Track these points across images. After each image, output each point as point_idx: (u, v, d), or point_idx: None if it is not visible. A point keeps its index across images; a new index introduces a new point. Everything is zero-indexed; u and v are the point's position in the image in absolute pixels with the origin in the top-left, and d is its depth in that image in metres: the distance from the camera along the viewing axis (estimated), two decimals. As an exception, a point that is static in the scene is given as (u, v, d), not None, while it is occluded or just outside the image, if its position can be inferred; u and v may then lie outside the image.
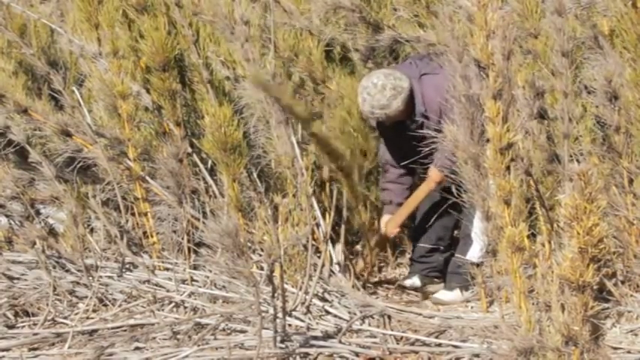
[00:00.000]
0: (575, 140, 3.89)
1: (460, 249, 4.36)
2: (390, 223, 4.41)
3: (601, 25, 4.12)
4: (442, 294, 4.41)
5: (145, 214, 4.43)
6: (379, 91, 4.18)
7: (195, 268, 4.32)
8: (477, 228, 4.24)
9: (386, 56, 4.76)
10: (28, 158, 4.55)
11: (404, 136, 4.28)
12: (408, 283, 4.50)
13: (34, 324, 4.02)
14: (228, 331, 3.81)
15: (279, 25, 4.60)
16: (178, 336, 3.75)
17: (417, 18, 4.81)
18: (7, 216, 4.68)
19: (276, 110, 4.17)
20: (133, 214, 4.48)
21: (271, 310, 3.56)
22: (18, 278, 4.32)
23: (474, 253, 4.27)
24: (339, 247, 4.36)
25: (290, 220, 4.22)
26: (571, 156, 3.83)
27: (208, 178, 4.44)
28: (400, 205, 4.42)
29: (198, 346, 3.64)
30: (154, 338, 3.77)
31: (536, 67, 4.01)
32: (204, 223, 4.22)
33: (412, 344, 3.73)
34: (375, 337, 3.77)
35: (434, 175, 4.30)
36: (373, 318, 3.96)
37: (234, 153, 4.21)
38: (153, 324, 3.89)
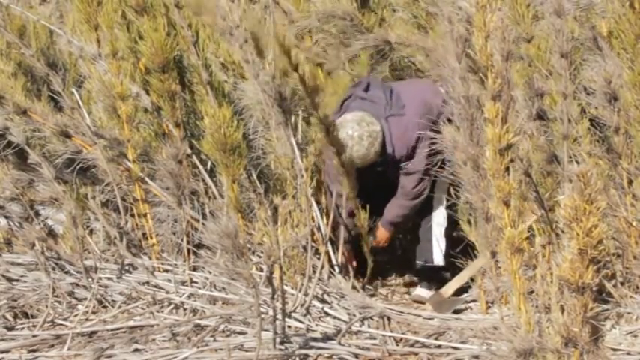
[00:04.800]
0: (574, 141, 3.89)
1: (422, 254, 4.46)
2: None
3: (599, 26, 4.12)
4: (422, 291, 4.49)
5: (145, 216, 4.43)
6: (357, 142, 4.17)
7: (194, 269, 4.32)
8: (437, 231, 4.39)
9: (379, 61, 4.76)
10: (27, 159, 4.55)
11: (369, 173, 4.32)
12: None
13: (34, 325, 4.01)
14: (228, 333, 3.80)
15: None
16: (178, 337, 3.75)
17: (416, 19, 4.82)
18: (6, 217, 4.69)
19: (276, 111, 4.17)
20: (132, 216, 4.48)
21: (271, 312, 3.56)
22: (17, 280, 4.32)
23: (438, 257, 4.41)
24: (339, 248, 4.37)
25: (289, 222, 4.22)
26: (570, 157, 3.83)
27: (208, 180, 4.44)
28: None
29: (198, 347, 3.64)
30: (154, 340, 3.77)
31: (531, 71, 4.02)
32: (203, 224, 4.22)
33: (412, 345, 3.73)
34: (374, 338, 3.77)
35: (379, 234, 4.44)
36: (373, 319, 3.97)
37: (234, 154, 4.21)
38: (152, 325, 3.89)
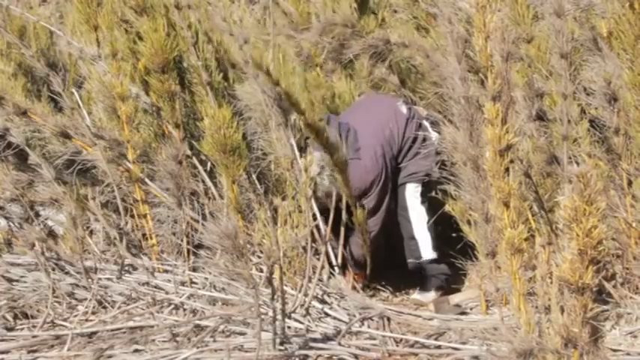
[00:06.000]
0: (574, 142, 3.89)
1: (410, 253, 4.50)
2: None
3: (599, 27, 4.12)
4: (421, 295, 4.51)
5: (145, 216, 4.43)
6: (321, 183, 4.30)
7: (194, 270, 4.32)
8: (419, 227, 4.42)
9: (377, 61, 4.77)
10: (27, 160, 4.55)
11: None
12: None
13: (34, 326, 4.01)
14: (228, 334, 3.80)
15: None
16: (177, 338, 3.75)
17: (416, 20, 4.83)
18: (6, 218, 4.68)
19: (276, 112, 4.17)
20: (132, 216, 4.48)
21: (270, 313, 3.55)
22: (17, 280, 4.32)
23: (427, 251, 4.45)
24: (339, 248, 4.37)
25: (289, 223, 4.22)
26: (570, 158, 3.83)
27: (207, 180, 4.44)
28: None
29: (198, 348, 3.64)
30: (154, 340, 3.77)
31: (531, 72, 4.02)
32: (203, 225, 4.22)
33: (411, 346, 3.73)
34: (374, 339, 3.77)
35: (353, 278, 4.49)
36: (372, 320, 3.97)
37: (234, 155, 4.20)
38: (152, 326, 3.88)
